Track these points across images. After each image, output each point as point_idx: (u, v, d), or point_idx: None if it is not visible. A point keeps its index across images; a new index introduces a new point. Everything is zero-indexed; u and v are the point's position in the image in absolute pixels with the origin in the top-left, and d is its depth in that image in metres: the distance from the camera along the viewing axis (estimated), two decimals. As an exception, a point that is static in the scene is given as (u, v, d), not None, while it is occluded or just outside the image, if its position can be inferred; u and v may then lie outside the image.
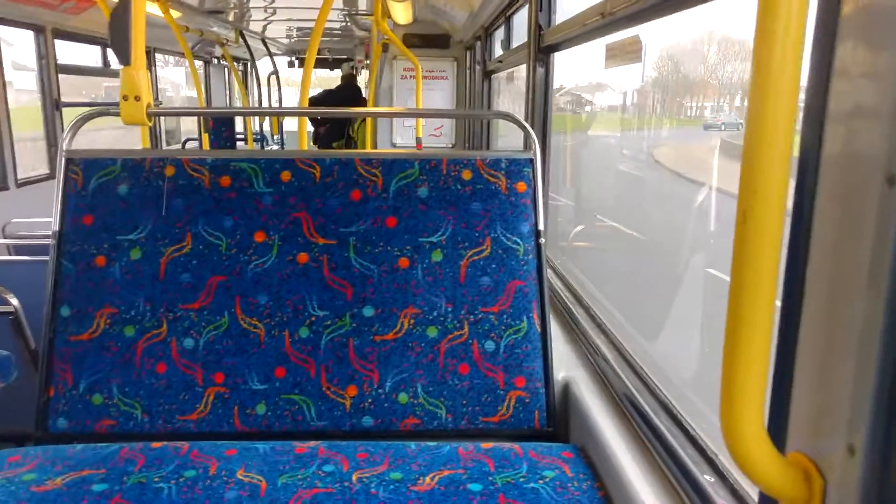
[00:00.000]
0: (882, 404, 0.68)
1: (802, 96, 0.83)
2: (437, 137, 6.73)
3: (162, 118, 7.03)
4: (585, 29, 2.22)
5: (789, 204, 0.79)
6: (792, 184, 0.80)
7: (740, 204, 0.72)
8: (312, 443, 1.59)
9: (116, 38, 1.61)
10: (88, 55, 5.87)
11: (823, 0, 0.77)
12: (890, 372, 0.67)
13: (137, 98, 1.65)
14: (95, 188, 1.77)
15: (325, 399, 1.73)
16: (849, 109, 0.74)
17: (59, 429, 1.70)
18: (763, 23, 0.66)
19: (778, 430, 0.86)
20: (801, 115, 0.82)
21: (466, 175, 1.80)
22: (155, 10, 5.02)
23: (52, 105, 4.75)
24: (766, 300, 0.72)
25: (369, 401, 1.73)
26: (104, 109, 1.87)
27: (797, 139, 0.82)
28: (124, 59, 1.63)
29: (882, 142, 0.67)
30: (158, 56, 7.46)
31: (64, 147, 1.79)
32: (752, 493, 1.10)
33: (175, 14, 5.38)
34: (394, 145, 6.63)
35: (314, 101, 8.41)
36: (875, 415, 0.69)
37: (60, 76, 4.84)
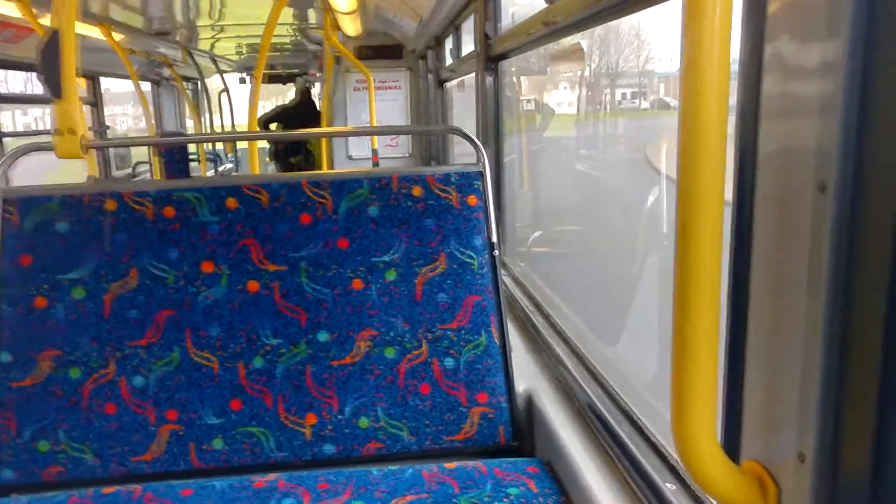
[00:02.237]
0: (828, 410, 0.68)
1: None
2: (395, 147, 6.72)
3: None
4: (530, 38, 2.23)
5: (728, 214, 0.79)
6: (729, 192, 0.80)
7: (679, 217, 0.72)
8: (272, 476, 1.55)
9: (47, 70, 1.56)
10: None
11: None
12: (833, 377, 0.67)
13: (72, 131, 1.60)
14: (33, 227, 1.70)
15: (283, 429, 1.69)
16: (781, 111, 0.74)
17: (4, 480, 1.63)
18: (690, 23, 0.66)
19: (732, 439, 0.86)
20: (737, 118, 0.83)
21: (417, 191, 1.78)
22: (97, 34, 4.90)
23: None
24: (711, 313, 0.71)
25: (329, 428, 1.70)
26: (38, 144, 1.80)
27: (733, 145, 0.82)
28: (55, 91, 1.58)
29: (812, 146, 0.67)
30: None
31: None
32: (714, 499, 1.10)
33: (118, 37, 5.25)
34: (350, 157, 6.59)
35: (269, 119, 8.30)
36: (822, 420, 0.69)
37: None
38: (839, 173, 0.64)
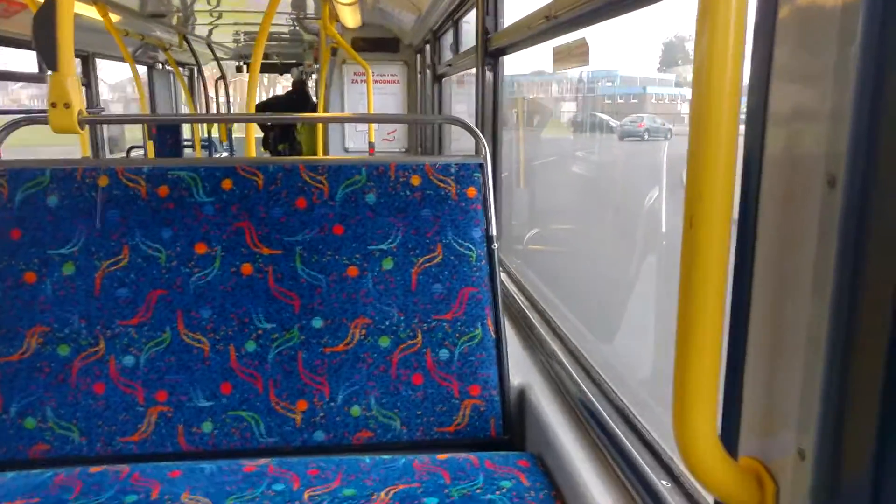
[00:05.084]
0: (830, 407, 0.68)
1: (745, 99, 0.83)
2: (391, 142, 6.69)
3: (104, 126, 6.78)
4: (531, 32, 2.22)
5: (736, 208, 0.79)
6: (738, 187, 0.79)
7: (687, 209, 0.71)
8: (262, 461, 1.53)
9: (42, 41, 1.53)
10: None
11: (762, 2, 0.77)
12: (837, 375, 0.67)
13: (67, 105, 1.57)
14: (23, 200, 1.68)
15: (274, 414, 1.67)
16: (789, 112, 0.74)
17: None
18: (703, 26, 0.66)
19: (730, 436, 0.86)
20: (743, 118, 0.82)
21: (415, 181, 1.77)
22: (93, 13, 4.84)
23: None
24: (715, 306, 0.71)
25: (321, 415, 1.68)
26: (32, 118, 1.77)
27: (741, 142, 0.82)
28: (51, 63, 1.55)
29: (821, 144, 0.67)
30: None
31: None
32: (708, 497, 1.10)
33: (114, 18, 5.19)
34: (346, 150, 6.56)
35: (263, 107, 8.28)
36: (824, 418, 0.68)
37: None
38: (850, 167, 0.64)
